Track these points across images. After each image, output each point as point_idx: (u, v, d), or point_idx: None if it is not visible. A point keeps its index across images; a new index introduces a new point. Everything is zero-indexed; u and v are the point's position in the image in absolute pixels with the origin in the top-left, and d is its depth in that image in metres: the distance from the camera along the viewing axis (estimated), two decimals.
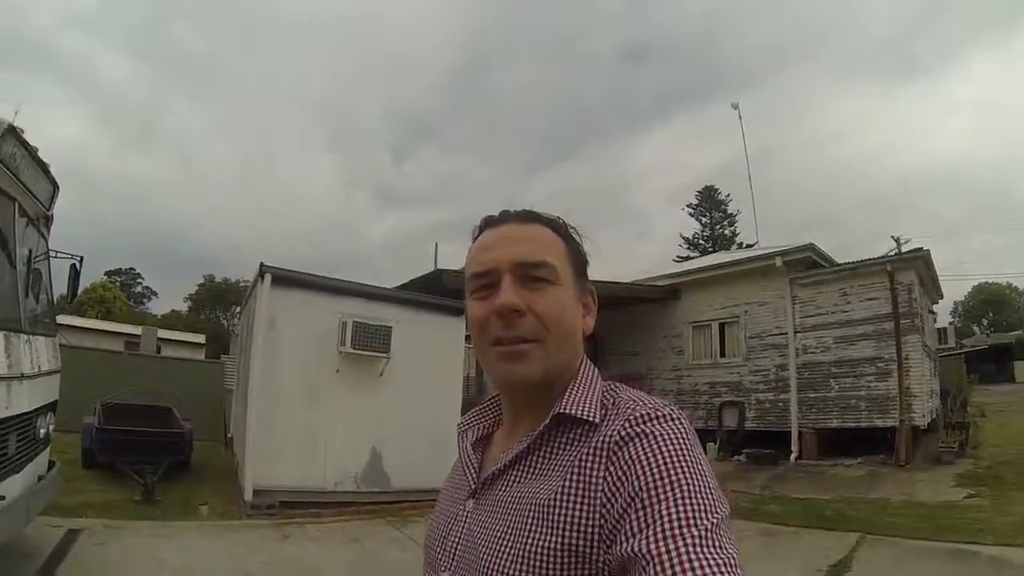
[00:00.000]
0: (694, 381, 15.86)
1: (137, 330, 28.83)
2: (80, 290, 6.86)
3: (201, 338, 36.33)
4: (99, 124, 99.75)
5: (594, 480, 0.81)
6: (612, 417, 0.88)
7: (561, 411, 0.91)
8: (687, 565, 0.66)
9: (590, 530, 0.78)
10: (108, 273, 54.08)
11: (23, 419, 4.58)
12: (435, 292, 10.51)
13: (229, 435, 13.96)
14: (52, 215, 5.72)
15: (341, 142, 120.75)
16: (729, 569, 0.67)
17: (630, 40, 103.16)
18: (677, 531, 0.69)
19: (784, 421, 13.85)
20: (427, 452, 8.27)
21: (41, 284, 5.56)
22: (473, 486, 1.00)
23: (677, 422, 0.83)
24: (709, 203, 48.84)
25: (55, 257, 5.87)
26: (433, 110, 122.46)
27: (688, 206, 50.03)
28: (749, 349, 14.80)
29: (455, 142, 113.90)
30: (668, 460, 0.77)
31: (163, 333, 29.28)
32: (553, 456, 0.90)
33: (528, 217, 1.03)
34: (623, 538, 0.73)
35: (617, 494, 0.78)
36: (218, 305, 55.14)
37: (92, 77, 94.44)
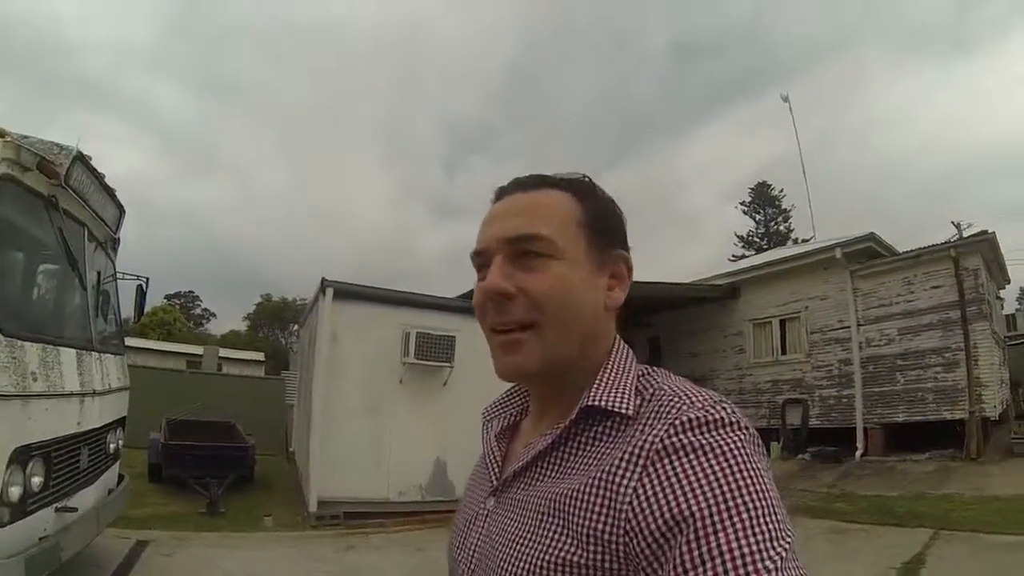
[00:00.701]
0: (756, 380, 15.56)
1: (197, 350, 29.73)
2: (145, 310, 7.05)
3: (260, 356, 37.10)
4: (158, 155, 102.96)
5: (623, 489, 0.70)
6: (652, 415, 0.76)
7: (589, 403, 0.81)
8: None
9: (613, 544, 0.69)
10: (168, 297, 55.55)
11: (94, 434, 4.74)
12: None
13: (291, 449, 14.24)
14: (119, 238, 5.92)
15: (395, 159, 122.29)
16: None
17: (678, 37, 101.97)
18: (742, 571, 0.59)
19: (849, 417, 13.47)
20: None
21: (109, 305, 5.74)
22: (494, 483, 0.92)
23: (733, 429, 0.71)
24: (762, 199, 47.82)
25: (122, 279, 6.06)
26: (484, 120, 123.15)
27: (741, 204, 49.10)
28: (811, 345, 14.46)
29: (506, 150, 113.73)
30: (725, 480, 0.65)
31: (223, 352, 29.97)
32: (581, 452, 0.81)
33: (535, 183, 0.91)
34: (667, 573, 0.63)
35: (651, 511, 0.67)
36: (276, 323, 56.26)
37: (150, 110, 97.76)
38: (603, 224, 0.89)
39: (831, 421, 13.89)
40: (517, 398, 1.04)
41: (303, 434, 10.87)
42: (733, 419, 0.72)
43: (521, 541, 0.78)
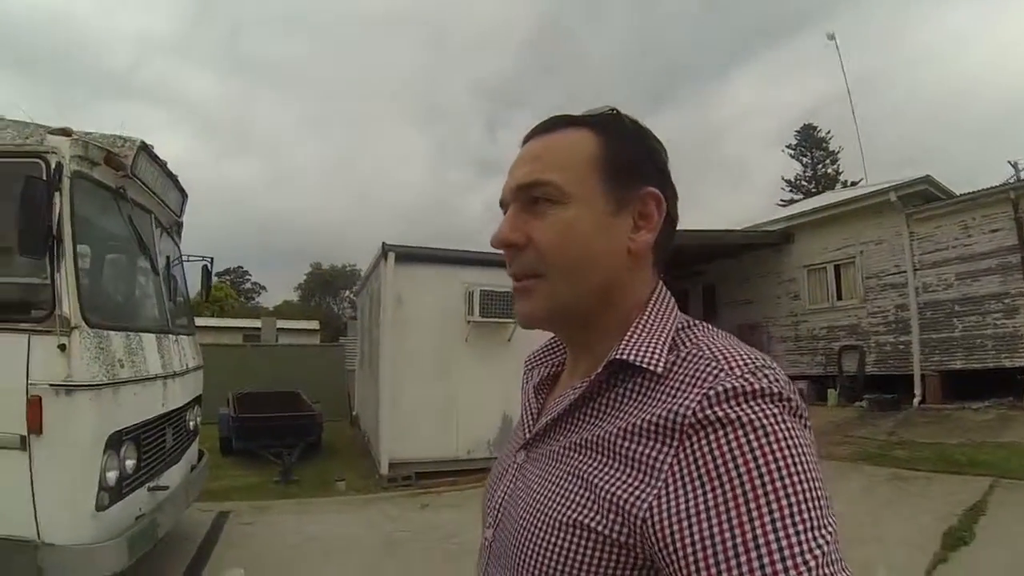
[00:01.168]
0: (811, 326, 15.29)
1: (252, 323, 30.37)
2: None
3: (315, 324, 37.79)
4: (198, 138, 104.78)
5: (656, 463, 0.66)
6: (686, 378, 0.70)
7: (617, 357, 0.76)
8: None
9: (633, 517, 0.66)
10: (218, 274, 56.35)
11: (177, 414, 4.94)
12: None
13: (354, 413, 14.56)
14: (182, 222, 6.08)
15: (434, 122, 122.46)
16: None
17: None
18: (779, 567, 0.55)
19: (906, 364, 13.17)
20: None
21: (179, 287, 5.94)
22: (527, 436, 0.89)
23: (774, 400, 0.65)
24: (809, 142, 46.42)
25: (187, 260, 6.24)
26: (521, 75, 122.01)
27: (788, 147, 47.83)
28: (867, 290, 14.11)
29: (545, 103, 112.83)
30: (764, 462, 0.60)
31: (279, 323, 30.58)
32: (609, 410, 0.77)
33: (553, 125, 0.86)
34: (694, 562, 0.59)
35: (682, 492, 0.63)
36: (327, 291, 57.09)
37: (184, 97, 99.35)
38: (625, 160, 0.82)
39: (887, 368, 13.61)
40: (560, 347, 1.00)
41: (370, 398, 11.09)
42: (775, 389, 0.65)
43: (540, 497, 0.77)
